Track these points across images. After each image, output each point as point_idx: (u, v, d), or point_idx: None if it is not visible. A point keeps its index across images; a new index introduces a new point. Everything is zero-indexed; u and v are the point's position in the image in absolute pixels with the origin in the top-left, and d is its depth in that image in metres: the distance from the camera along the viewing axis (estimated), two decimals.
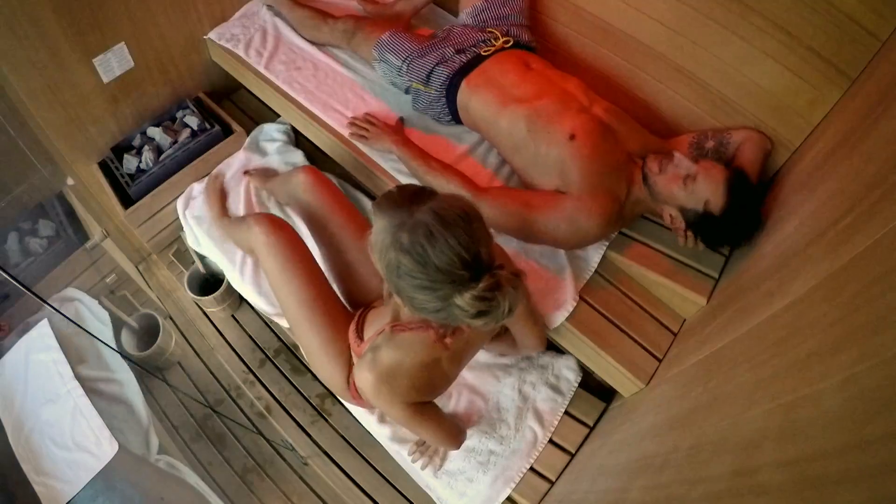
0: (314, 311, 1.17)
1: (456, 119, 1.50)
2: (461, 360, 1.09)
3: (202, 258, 1.82)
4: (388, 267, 0.83)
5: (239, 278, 1.55)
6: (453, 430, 1.14)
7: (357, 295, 1.27)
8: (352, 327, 1.14)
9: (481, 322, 0.81)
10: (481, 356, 1.45)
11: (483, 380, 1.41)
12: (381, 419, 1.37)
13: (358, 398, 1.17)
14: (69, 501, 1.21)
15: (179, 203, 1.69)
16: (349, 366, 1.17)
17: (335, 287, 1.28)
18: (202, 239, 1.63)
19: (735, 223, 1.19)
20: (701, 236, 1.26)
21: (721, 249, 1.32)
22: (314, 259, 1.25)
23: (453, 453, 1.32)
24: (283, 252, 1.19)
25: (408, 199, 0.82)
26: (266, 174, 1.67)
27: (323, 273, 1.25)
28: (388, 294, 0.95)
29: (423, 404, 1.06)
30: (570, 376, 1.40)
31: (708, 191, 1.19)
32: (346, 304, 1.27)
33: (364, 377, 0.97)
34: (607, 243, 1.37)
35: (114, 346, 1.51)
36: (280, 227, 1.22)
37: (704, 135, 1.38)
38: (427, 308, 0.83)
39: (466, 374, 1.42)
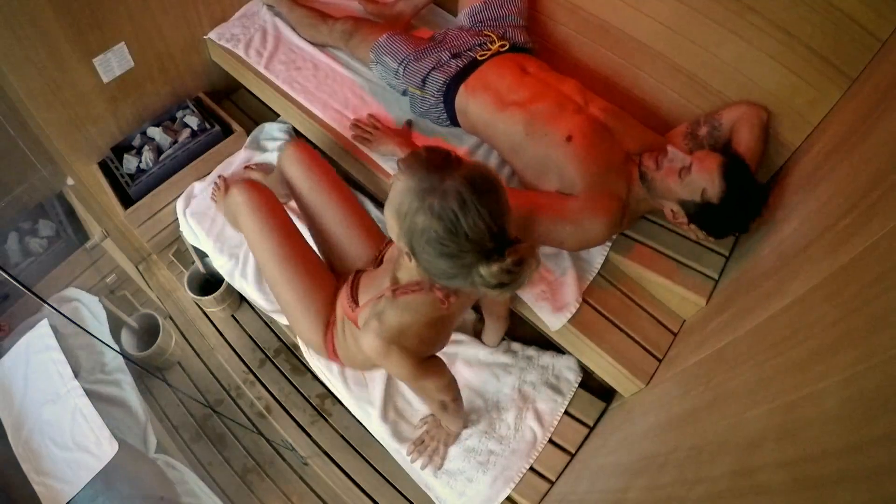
0: (292, 270, 1.21)
1: (454, 122, 1.50)
2: (456, 318, 1.12)
3: (202, 258, 1.82)
4: (410, 230, 0.81)
5: (240, 277, 1.55)
6: (455, 385, 1.15)
7: (340, 265, 1.30)
8: (345, 292, 1.15)
9: (497, 292, 0.82)
10: (481, 355, 1.45)
11: (483, 379, 1.41)
12: (383, 418, 1.37)
13: (335, 357, 1.23)
14: (69, 501, 1.21)
15: (180, 202, 1.69)
16: (326, 325, 1.21)
17: (320, 255, 1.31)
18: (202, 237, 1.63)
19: (735, 208, 1.17)
20: (705, 227, 1.23)
21: (726, 239, 1.31)
22: (292, 221, 1.28)
23: (452, 453, 1.32)
24: (261, 211, 1.22)
25: (439, 163, 0.80)
26: (267, 169, 1.67)
27: (301, 235, 1.28)
28: (382, 258, 0.95)
29: (429, 361, 1.07)
30: (570, 377, 1.40)
31: (703, 180, 1.17)
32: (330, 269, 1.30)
33: (372, 343, 0.97)
34: (610, 244, 1.37)
35: (111, 344, 1.51)
36: (258, 189, 1.25)
37: (697, 122, 1.37)
38: (445, 274, 0.84)
39: (466, 374, 1.42)
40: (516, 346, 1.47)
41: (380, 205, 1.66)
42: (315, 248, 1.32)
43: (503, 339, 1.48)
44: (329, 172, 1.34)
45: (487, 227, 0.78)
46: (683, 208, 1.23)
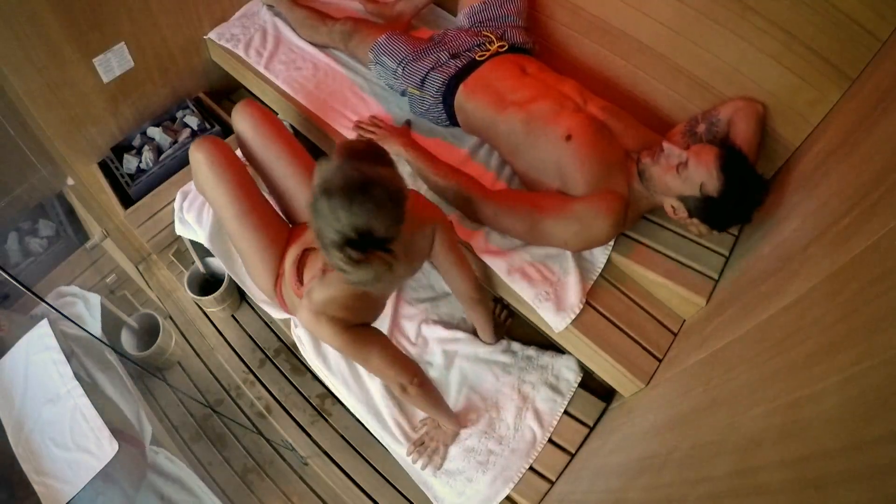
0: (247, 223, 1.28)
1: (454, 122, 1.50)
2: (384, 290, 1.19)
3: (202, 258, 1.82)
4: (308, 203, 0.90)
5: (240, 272, 1.56)
6: (404, 361, 1.16)
7: (294, 217, 1.38)
8: (292, 272, 1.22)
9: (352, 279, 0.90)
10: (480, 352, 1.45)
11: (482, 379, 1.41)
12: (383, 417, 1.37)
13: (283, 304, 1.34)
14: (69, 501, 1.21)
15: (178, 195, 1.67)
16: (278, 274, 1.29)
17: (275, 206, 1.38)
18: (197, 230, 1.62)
19: (736, 199, 1.16)
20: (707, 220, 1.23)
21: (726, 239, 1.32)
22: (250, 176, 1.33)
23: (452, 452, 1.32)
24: (217, 166, 1.27)
25: (346, 152, 0.89)
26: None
27: (258, 189, 1.34)
28: None
29: (364, 329, 1.12)
30: (569, 377, 1.40)
31: (701, 173, 1.17)
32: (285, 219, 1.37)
33: (304, 316, 1.07)
34: (612, 244, 1.37)
35: (101, 337, 1.51)
36: (215, 145, 1.29)
37: (695, 119, 1.37)
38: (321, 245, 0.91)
39: (466, 370, 1.42)
40: (516, 345, 1.47)
41: None
42: (270, 199, 1.38)
43: (504, 338, 1.48)
44: (280, 129, 1.37)
45: (343, 226, 0.84)
46: (684, 203, 1.23)
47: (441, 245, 1.17)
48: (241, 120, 1.35)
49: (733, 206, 1.17)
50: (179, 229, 1.65)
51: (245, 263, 1.35)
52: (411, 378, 1.15)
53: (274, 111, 1.78)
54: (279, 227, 1.33)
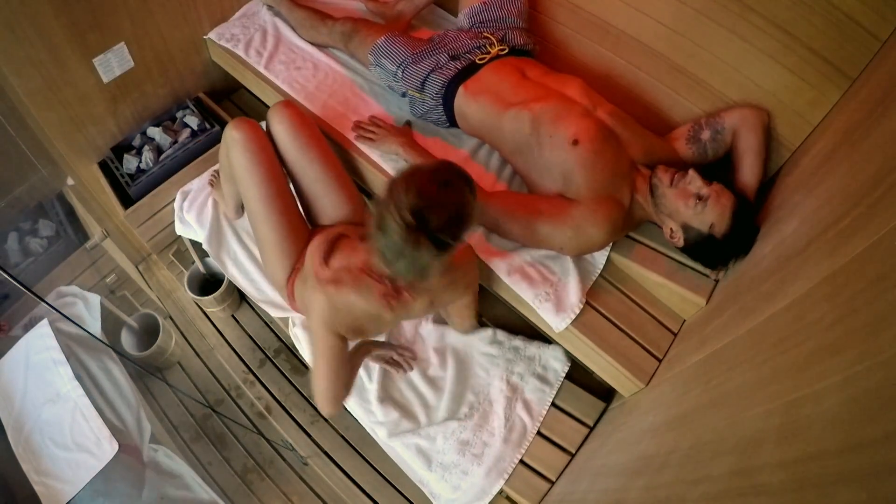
0: (272, 208, 1.29)
1: (454, 124, 1.50)
2: (392, 324, 1.25)
3: (202, 258, 1.82)
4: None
5: (232, 264, 1.56)
6: (338, 389, 1.20)
7: (317, 222, 1.39)
8: (319, 248, 1.22)
9: (398, 266, 0.99)
10: (468, 343, 1.46)
11: (472, 373, 1.43)
12: (382, 418, 1.37)
13: (292, 300, 1.33)
14: (69, 501, 1.21)
15: (178, 195, 1.68)
16: (293, 269, 1.30)
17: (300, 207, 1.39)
18: (197, 229, 1.62)
19: (733, 247, 1.21)
20: (699, 258, 1.27)
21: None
22: (280, 166, 1.34)
23: (447, 446, 1.34)
24: (252, 148, 1.28)
25: (450, 164, 1.00)
26: None
27: (286, 180, 1.35)
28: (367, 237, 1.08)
29: (342, 341, 1.17)
30: (557, 366, 1.41)
31: (715, 215, 1.19)
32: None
33: (318, 299, 1.12)
34: (610, 245, 1.37)
35: (101, 337, 1.51)
36: (252, 128, 1.30)
37: (698, 124, 1.37)
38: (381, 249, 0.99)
39: (458, 365, 1.43)
40: (501, 335, 1.47)
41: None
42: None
43: (488, 326, 1.50)
44: (317, 133, 1.38)
45: (416, 203, 0.91)
46: (685, 232, 1.24)
47: (460, 311, 1.36)
48: (279, 121, 1.34)
49: (727, 252, 1.22)
50: (179, 229, 1.66)
51: (262, 249, 1.34)
52: (326, 406, 1.19)
53: None
54: (301, 223, 1.34)
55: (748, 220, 1.20)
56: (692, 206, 1.21)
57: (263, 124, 1.38)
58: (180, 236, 1.70)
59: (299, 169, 1.35)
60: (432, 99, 1.46)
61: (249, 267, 1.57)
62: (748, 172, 1.29)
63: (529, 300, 1.28)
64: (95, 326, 1.60)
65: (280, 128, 1.34)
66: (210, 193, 1.62)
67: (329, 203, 1.36)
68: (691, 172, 1.22)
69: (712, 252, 1.23)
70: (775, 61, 1.24)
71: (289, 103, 1.38)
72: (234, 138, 1.28)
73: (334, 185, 1.35)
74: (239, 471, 1.70)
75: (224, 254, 1.59)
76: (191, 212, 1.61)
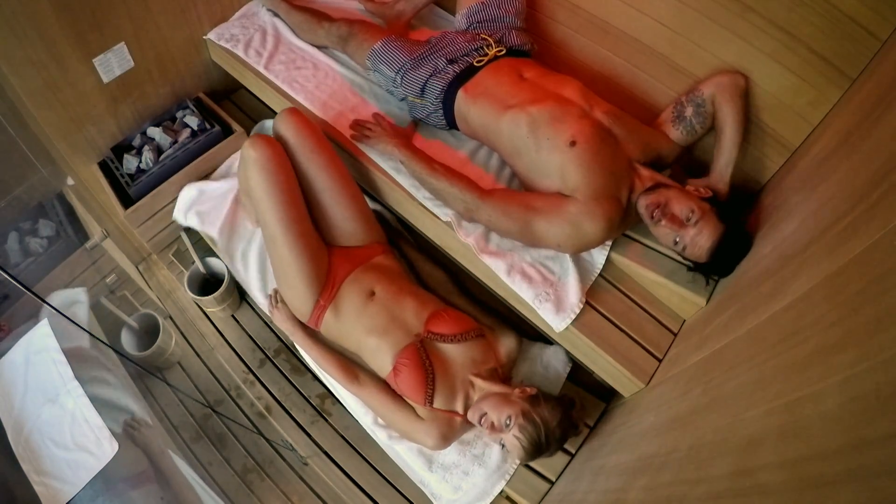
0: (295, 232, 1.25)
1: (453, 127, 1.50)
2: (444, 428, 1.27)
3: (203, 258, 1.82)
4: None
5: (241, 260, 1.57)
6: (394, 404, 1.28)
7: (326, 234, 1.37)
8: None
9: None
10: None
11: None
12: (376, 421, 1.37)
13: (315, 327, 1.34)
14: (69, 501, 1.21)
15: (194, 190, 1.68)
16: (318, 298, 1.30)
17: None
18: (208, 225, 1.62)
19: (718, 272, 1.25)
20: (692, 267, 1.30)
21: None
22: (297, 184, 1.31)
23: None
24: (270, 168, 1.25)
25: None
26: None
27: (303, 201, 1.32)
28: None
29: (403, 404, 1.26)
30: (558, 367, 1.41)
31: (694, 255, 1.23)
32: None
33: (427, 430, 1.23)
34: (610, 244, 1.37)
35: (101, 337, 1.51)
36: (270, 145, 1.27)
37: (679, 103, 1.37)
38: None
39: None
40: None
41: (375, 202, 1.66)
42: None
43: None
44: (324, 142, 1.37)
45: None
46: (675, 247, 1.27)
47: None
48: (286, 128, 1.34)
49: (716, 270, 1.25)
50: (186, 219, 1.66)
51: (283, 274, 1.30)
52: (428, 441, 1.25)
53: (273, 111, 1.79)
54: (320, 246, 1.32)
55: (732, 250, 1.20)
56: (672, 245, 1.25)
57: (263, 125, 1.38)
58: (180, 236, 1.70)
59: (307, 177, 1.33)
60: (432, 103, 1.46)
61: (255, 264, 1.57)
62: (728, 144, 1.30)
63: (529, 300, 1.28)
64: (95, 327, 1.59)
65: (287, 133, 1.33)
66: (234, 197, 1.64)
67: (339, 214, 1.34)
68: (667, 224, 1.22)
69: (702, 271, 1.26)
70: (775, 61, 1.24)
71: (295, 110, 1.37)
72: (251, 157, 1.25)
73: (344, 194, 1.33)
74: (239, 471, 1.70)
75: (234, 246, 1.59)
76: (204, 204, 1.61)
